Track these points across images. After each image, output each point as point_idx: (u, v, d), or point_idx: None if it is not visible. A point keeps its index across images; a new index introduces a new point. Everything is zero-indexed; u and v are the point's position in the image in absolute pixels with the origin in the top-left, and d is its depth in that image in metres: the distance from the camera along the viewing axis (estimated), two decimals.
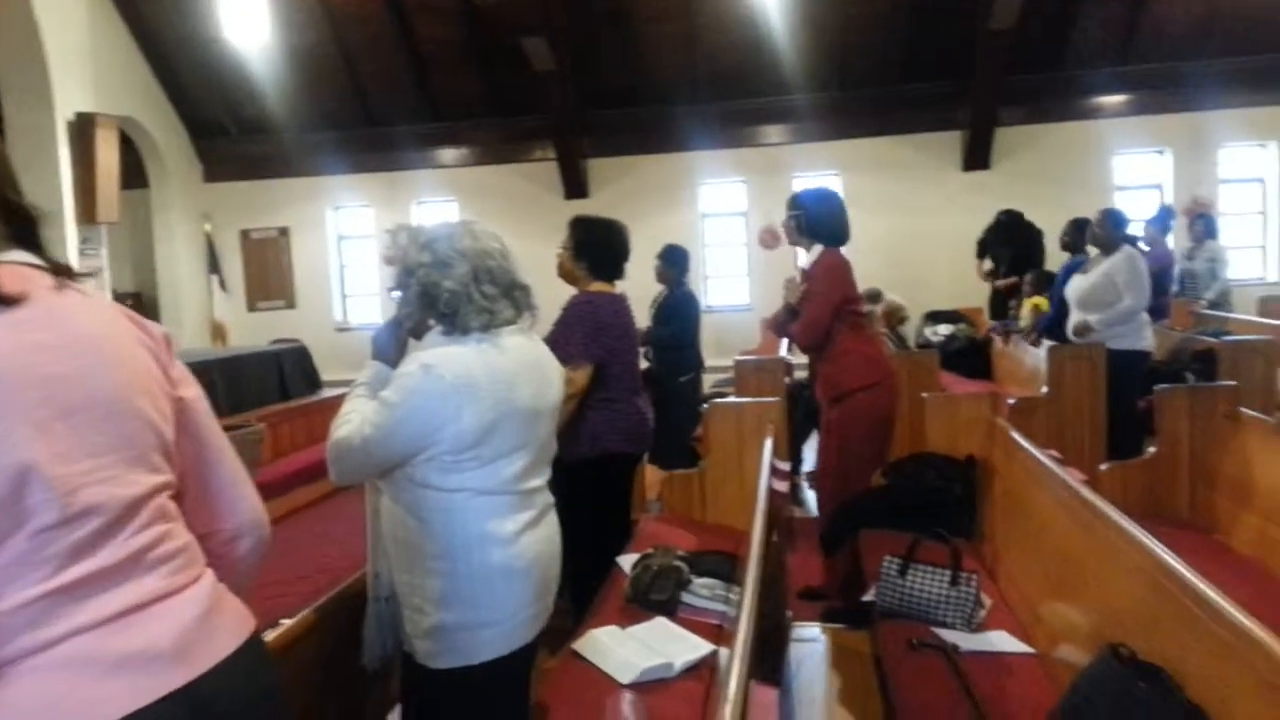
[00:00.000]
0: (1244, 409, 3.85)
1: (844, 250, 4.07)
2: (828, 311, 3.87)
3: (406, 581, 1.94)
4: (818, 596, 4.14)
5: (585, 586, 3.08)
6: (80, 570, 1.08)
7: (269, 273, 11.22)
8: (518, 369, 1.97)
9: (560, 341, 3.21)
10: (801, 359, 8.99)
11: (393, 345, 2.07)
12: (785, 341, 7.85)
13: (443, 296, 1.93)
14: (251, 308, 11.23)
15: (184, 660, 1.14)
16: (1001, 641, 2.75)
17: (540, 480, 2.07)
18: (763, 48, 9.36)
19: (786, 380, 6.15)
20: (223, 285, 10.97)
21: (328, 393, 7.26)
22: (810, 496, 6.22)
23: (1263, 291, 8.83)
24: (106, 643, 1.08)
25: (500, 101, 10.28)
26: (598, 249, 3.50)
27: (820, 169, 10.15)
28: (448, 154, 10.82)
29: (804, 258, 4.09)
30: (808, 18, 9.14)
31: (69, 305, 1.16)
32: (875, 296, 7.99)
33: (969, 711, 2.28)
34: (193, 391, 1.32)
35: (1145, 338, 5.26)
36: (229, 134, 10.91)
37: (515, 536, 1.94)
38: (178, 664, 1.13)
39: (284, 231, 11.17)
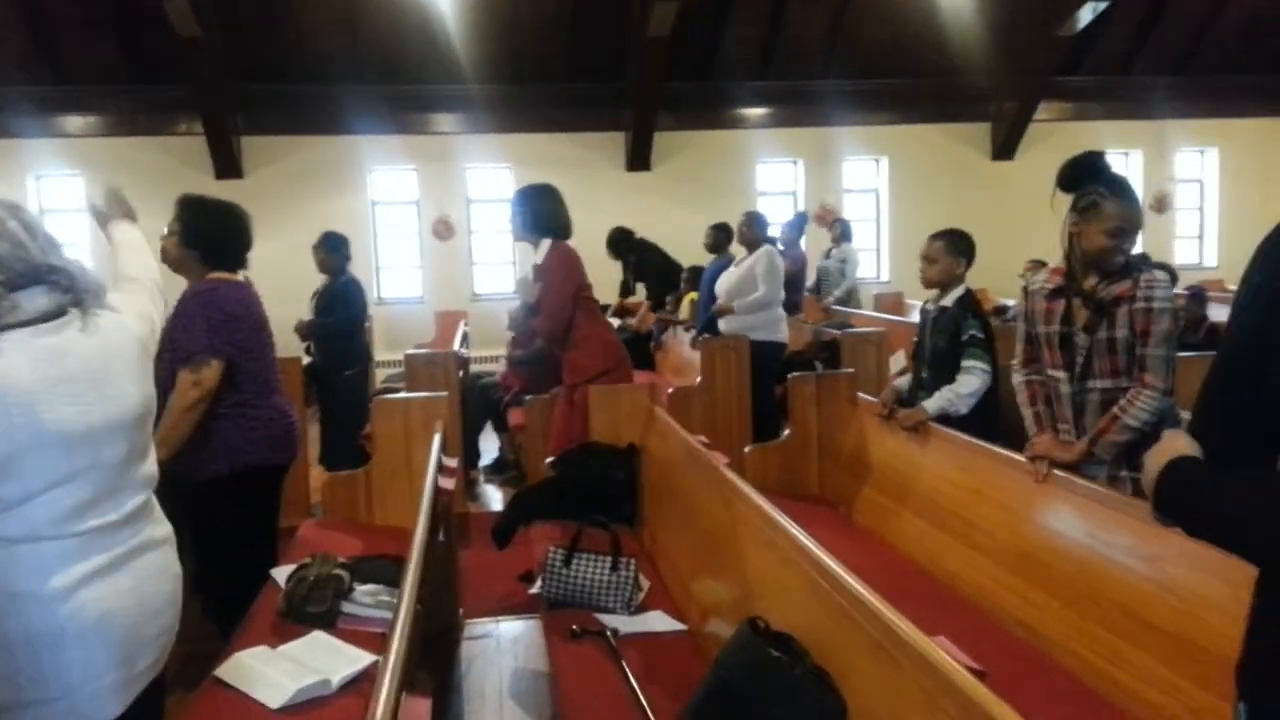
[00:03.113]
0: (861, 394, 4.37)
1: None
2: (568, 301, 4.12)
3: None
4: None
5: (232, 608, 2.82)
6: None
7: None
8: (48, 380, 1.55)
9: (180, 337, 2.83)
10: (479, 352, 9.02)
11: None
12: (460, 334, 7.80)
13: None
14: None
15: None
16: (657, 621, 2.90)
17: (117, 514, 1.68)
18: (432, 33, 9.17)
19: (460, 374, 6.08)
20: None
21: None
22: (486, 490, 6.23)
23: (877, 289, 10.13)
24: None
25: (138, 68, 9.22)
26: (212, 237, 3.05)
27: (493, 161, 10.19)
28: (73, 122, 9.51)
29: (536, 254, 4.22)
30: (477, 8, 9.10)
31: None
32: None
33: (625, 692, 2.38)
34: None
35: (781, 331, 5.86)
36: None
37: (68, 592, 1.57)
38: None
39: None
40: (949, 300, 3.63)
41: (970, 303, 3.60)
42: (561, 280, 4.11)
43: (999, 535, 2.96)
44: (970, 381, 3.46)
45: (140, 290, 2.03)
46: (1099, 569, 2.48)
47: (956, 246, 3.65)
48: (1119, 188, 2.69)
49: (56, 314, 1.62)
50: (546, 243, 4.17)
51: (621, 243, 8.24)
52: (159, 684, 1.81)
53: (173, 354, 2.83)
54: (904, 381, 3.93)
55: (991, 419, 3.56)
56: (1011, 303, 7.52)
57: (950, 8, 9.70)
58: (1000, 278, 8.74)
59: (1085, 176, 2.72)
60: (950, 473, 3.35)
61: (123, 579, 1.68)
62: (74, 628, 1.58)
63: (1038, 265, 7.08)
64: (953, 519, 3.25)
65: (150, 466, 1.84)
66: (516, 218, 4.21)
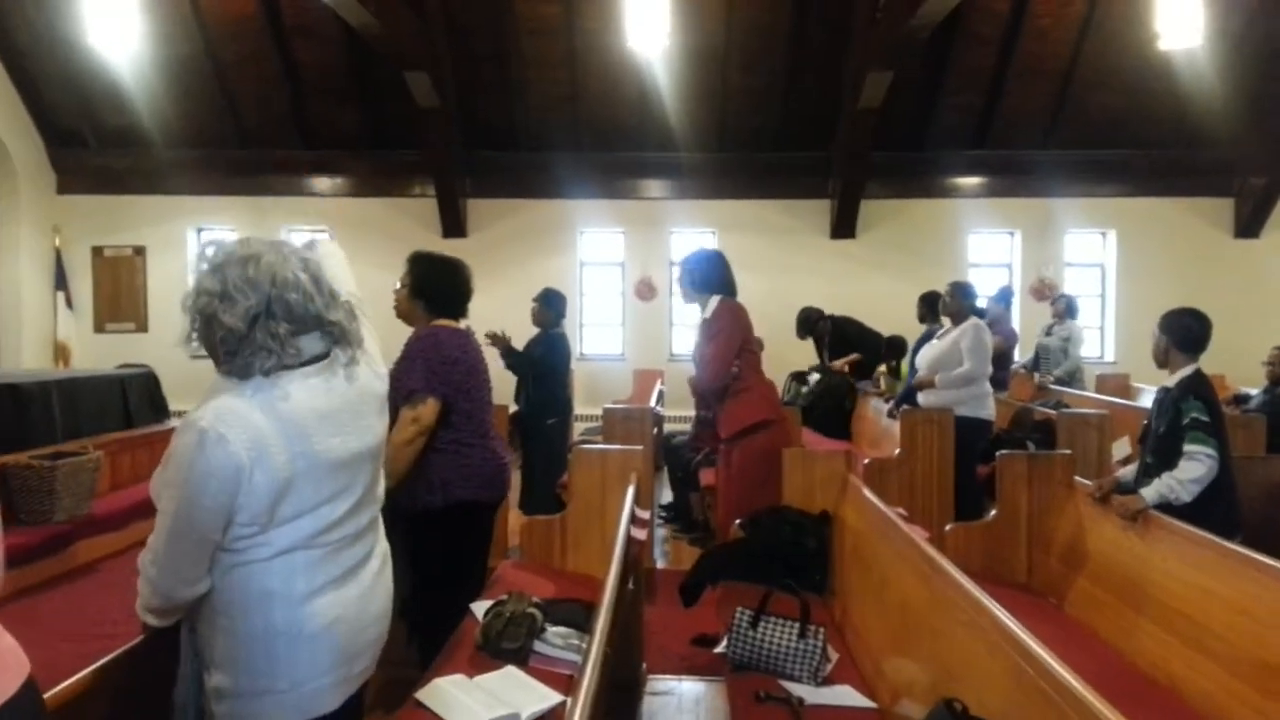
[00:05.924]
0: (1078, 478, 4.09)
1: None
2: (731, 354, 4.19)
3: (202, 634, 1.76)
4: (713, 643, 4.12)
5: (434, 635, 2.97)
6: None
7: (121, 293, 10.63)
8: (319, 414, 1.74)
9: (401, 377, 3.04)
10: (672, 411, 9.15)
11: None
12: (656, 392, 7.95)
13: (218, 333, 1.67)
14: (99, 329, 10.59)
15: None
16: (845, 695, 2.80)
17: (355, 528, 1.86)
18: (646, 104, 9.57)
19: (655, 431, 6.18)
20: (68, 303, 10.31)
21: (175, 422, 6.85)
22: (669, 547, 6.26)
23: (1101, 370, 9.48)
24: None
25: (380, 133, 10.15)
26: (437, 287, 3.29)
27: (697, 225, 10.41)
28: (322, 182, 10.55)
29: (704, 311, 4.35)
30: (690, 81, 9.41)
31: None
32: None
33: None
34: None
35: (988, 407, 5.56)
36: (87, 145, 10.33)
37: (307, 596, 1.74)
38: None
39: (140, 250, 10.63)
40: (1173, 381, 3.50)
41: (1194, 383, 3.43)
42: (728, 334, 4.21)
43: (1234, 640, 2.67)
44: (1193, 468, 3.26)
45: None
46: None
47: (1169, 324, 3.59)
48: None
49: (324, 355, 1.80)
50: (715, 299, 4.30)
51: (807, 322, 8.15)
52: (359, 696, 1.94)
53: (394, 392, 3.05)
54: (1128, 471, 3.70)
55: (1228, 512, 3.29)
56: (1254, 391, 6.85)
57: (1190, 76, 9.08)
58: (1242, 364, 7.99)
59: None
60: (1179, 569, 3.06)
61: (351, 588, 1.84)
62: (309, 628, 1.74)
63: None
64: (1180, 619, 2.96)
65: (381, 488, 2.01)
66: (684, 278, 4.39)
